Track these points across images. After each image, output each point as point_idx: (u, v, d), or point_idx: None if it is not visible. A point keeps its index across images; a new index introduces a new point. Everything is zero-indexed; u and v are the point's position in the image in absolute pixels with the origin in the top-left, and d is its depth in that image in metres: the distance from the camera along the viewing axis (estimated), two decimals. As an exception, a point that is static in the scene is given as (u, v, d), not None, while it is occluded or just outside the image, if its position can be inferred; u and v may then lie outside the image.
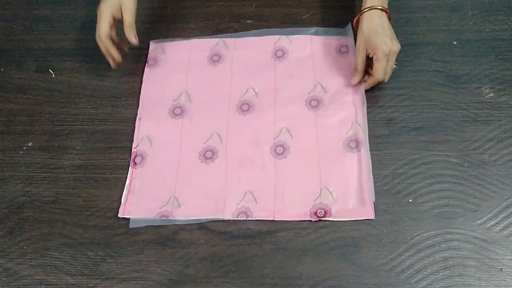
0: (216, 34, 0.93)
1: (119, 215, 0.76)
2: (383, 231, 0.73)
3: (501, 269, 0.69)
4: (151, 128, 0.83)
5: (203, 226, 0.75)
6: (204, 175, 0.79)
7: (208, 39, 0.92)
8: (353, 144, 0.79)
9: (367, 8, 0.78)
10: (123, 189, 0.78)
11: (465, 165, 0.77)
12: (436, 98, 0.83)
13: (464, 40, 0.88)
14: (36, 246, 0.75)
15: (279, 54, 0.89)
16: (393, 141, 0.80)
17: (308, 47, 0.89)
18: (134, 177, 0.79)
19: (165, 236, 0.75)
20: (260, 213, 0.75)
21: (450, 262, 0.70)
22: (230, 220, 0.75)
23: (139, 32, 0.92)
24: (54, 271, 0.73)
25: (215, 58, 0.90)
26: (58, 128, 0.85)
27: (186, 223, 0.75)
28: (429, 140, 0.79)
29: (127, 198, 0.78)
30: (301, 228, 0.74)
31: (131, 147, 0.82)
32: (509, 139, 0.79)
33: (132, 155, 0.81)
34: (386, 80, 0.81)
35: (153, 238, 0.75)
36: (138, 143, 0.82)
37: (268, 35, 0.91)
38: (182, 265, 0.72)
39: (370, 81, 0.81)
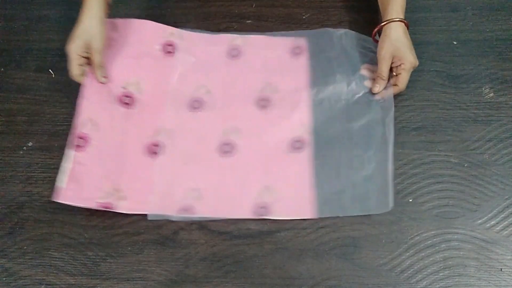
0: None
1: (54, 199, 0.73)
2: (383, 231, 0.73)
3: (501, 269, 0.69)
4: (96, 112, 0.79)
5: (203, 226, 0.75)
6: (150, 169, 0.78)
7: (164, 26, 0.89)
8: (299, 144, 0.79)
9: (396, 19, 0.79)
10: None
11: (465, 165, 0.77)
12: (436, 98, 0.83)
13: (464, 40, 0.88)
14: (36, 246, 0.75)
15: (234, 53, 0.88)
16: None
17: (262, 47, 0.88)
18: (77, 162, 0.75)
19: (165, 236, 0.75)
20: (202, 210, 0.75)
21: (450, 262, 0.70)
22: (229, 219, 0.75)
23: (139, 32, 0.92)
24: (54, 271, 0.73)
25: (170, 49, 0.88)
26: (58, 128, 0.85)
27: (186, 220, 0.75)
28: (429, 140, 0.79)
29: (67, 183, 0.74)
30: (301, 228, 0.74)
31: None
32: (509, 139, 0.79)
33: (75, 137, 0.76)
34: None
35: (153, 238, 0.74)
36: (82, 125, 0.77)
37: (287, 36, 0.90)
38: (182, 265, 0.72)
39: (395, 91, 0.81)
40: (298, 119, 0.81)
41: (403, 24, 0.79)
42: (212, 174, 0.78)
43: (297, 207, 0.75)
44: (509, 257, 0.70)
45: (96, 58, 0.79)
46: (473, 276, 0.69)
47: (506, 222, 0.73)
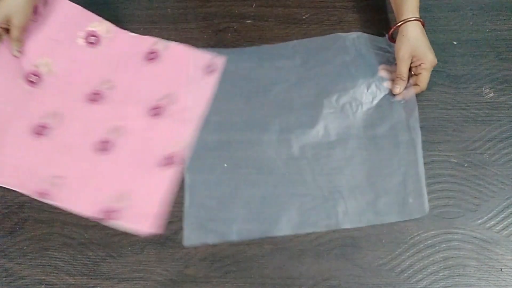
0: (216, 34, 0.92)
1: None
2: (383, 231, 0.73)
3: (501, 269, 0.69)
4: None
5: (203, 226, 0.75)
6: (28, 148, 0.79)
7: (93, 16, 0.89)
8: (168, 161, 0.78)
9: (412, 18, 0.79)
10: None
11: (465, 165, 0.77)
12: (436, 98, 0.83)
13: (464, 40, 0.88)
14: (36, 246, 0.75)
15: (151, 57, 0.88)
16: (393, 141, 0.80)
17: (179, 57, 0.87)
18: None
19: (165, 236, 0.74)
20: (55, 198, 0.76)
21: (450, 262, 0.70)
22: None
23: (139, 33, 0.92)
24: (54, 271, 0.73)
25: (93, 40, 0.88)
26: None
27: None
28: (429, 140, 0.79)
29: None
30: (301, 228, 0.74)
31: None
32: (509, 139, 0.79)
33: None
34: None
35: (153, 238, 0.74)
36: None
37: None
38: (182, 265, 0.72)
39: (416, 91, 0.81)
40: (181, 136, 0.80)
41: (419, 23, 0.79)
42: (81, 167, 0.78)
43: (142, 219, 0.74)
44: (509, 257, 0.70)
45: (13, 33, 0.80)
46: (473, 276, 0.69)
47: (506, 222, 0.73)
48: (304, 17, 0.93)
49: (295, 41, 0.90)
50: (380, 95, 0.82)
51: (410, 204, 0.74)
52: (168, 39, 0.91)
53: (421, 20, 0.79)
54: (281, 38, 0.91)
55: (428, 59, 0.78)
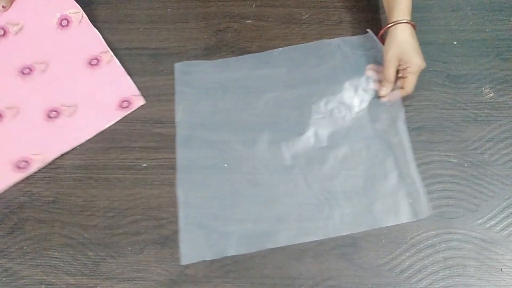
0: (216, 34, 0.93)
1: None
2: (383, 231, 0.73)
3: (501, 269, 0.69)
4: None
5: (203, 226, 0.75)
6: None
7: (74, 3, 0.93)
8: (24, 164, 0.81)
9: (403, 20, 0.78)
10: (123, 189, 0.78)
11: (465, 165, 0.77)
12: (436, 98, 0.83)
13: (464, 40, 0.88)
14: (36, 246, 0.75)
15: (93, 63, 0.90)
16: (393, 141, 0.80)
17: (112, 77, 0.88)
18: None
19: (165, 236, 0.75)
20: None
21: (450, 262, 0.70)
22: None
23: (140, 32, 0.92)
24: (54, 271, 0.73)
25: (64, 23, 0.92)
26: None
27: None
28: (429, 140, 0.79)
29: None
30: (301, 228, 0.74)
31: (131, 147, 0.82)
32: (509, 139, 0.79)
33: None
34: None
35: (153, 238, 0.74)
36: None
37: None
38: (182, 265, 0.72)
39: (402, 94, 0.80)
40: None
41: (409, 25, 0.78)
42: None
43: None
44: (509, 257, 0.70)
45: None
46: (473, 276, 0.69)
47: (506, 222, 0.73)
48: (304, 17, 0.93)
49: (280, 49, 0.89)
50: (368, 98, 0.82)
51: (409, 206, 0.74)
52: (168, 39, 0.92)
53: (412, 23, 0.79)
54: (281, 38, 0.91)
55: (415, 62, 0.77)
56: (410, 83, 0.79)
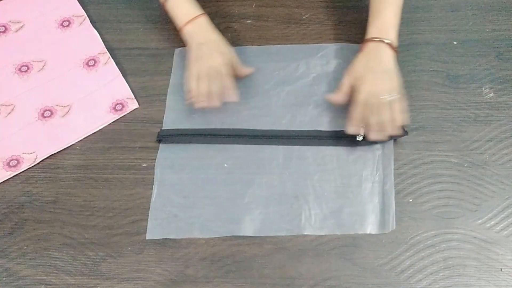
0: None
1: None
2: (383, 231, 0.73)
3: (501, 269, 0.69)
4: None
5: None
6: None
7: (79, 8, 0.96)
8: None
9: (375, 38, 0.72)
10: (123, 189, 0.78)
11: (465, 165, 0.77)
12: (436, 98, 0.83)
13: (464, 40, 0.88)
14: (36, 246, 0.75)
15: (90, 64, 0.90)
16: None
17: (109, 79, 0.89)
18: None
19: (165, 236, 0.75)
20: None
21: (450, 262, 0.70)
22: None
23: (139, 33, 0.92)
24: (54, 271, 0.73)
25: (65, 24, 0.93)
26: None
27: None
28: (429, 140, 0.79)
29: None
30: (301, 228, 0.74)
31: (131, 147, 0.82)
32: (509, 139, 0.79)
33: None
34: (372, 137, 0.74)
35: (153, 238, 0.74)
36: None
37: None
38: (182, 265, 0.72)
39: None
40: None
41: (383, 45, 0.72)
42: None
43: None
44: (509, 257, 0.70)
45: None
46: (473, 276, 0.69)
47: (506, 222, 0.73)
48: (304, 17, 0.93)
49: (278, 45, 0.90)
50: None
51: (375, 218, 0.73)
52: (168, 39, 0.92)
53: (389, 43, 0.73)
54: (281, 38, 0.91)
55: (363, 90, 0.72)
56: (351, 112, 0.74)
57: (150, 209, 0.76)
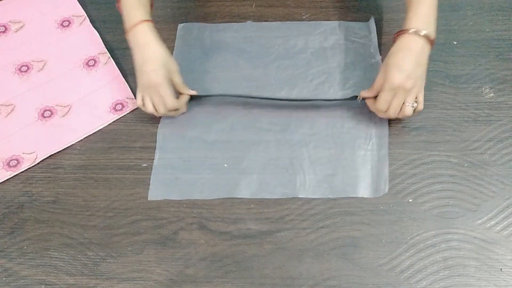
0: (216, 34, 0.93)
1: None
2: (383, 231, 0.73)
3: (501, 269, 0.69)
4: None
5: (204, 226, 0.75)
6: None
7: (79, 8, 0.97)
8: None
9: (410, 30, 0.72)
10: (123, 189, 0.78)
11: (465, 165, 0.77)
12: (436, 98, 0.83)
13: (464, 40, 0.88)
14: (36, 246, 0.75)
15: (90, 64, 0.91)
16: (393, 141, 0.80)
17: (109, 79, 0.89)
18: None
19: (165, 236, 0.75)
20: None
21: (450, 262, 0.70)
22: (229, 219, 0.75)
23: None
24: (54, 271, 0.73)
25: (65, 24, 0.94)
26: (58, 128, 0.85)
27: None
28: (429, 140, 0.79)
29: None
30: (301, 228, 0.74)
31: (131, 147, 0.82)
32: (509, 139, 0.79)
33: None
34: (393, 117, 0.76)
35: (153, 238, 0.74)
36: None
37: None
38: (182, 265, 0.72)
39: (373, 108, 0.78)
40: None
41: (417, 38, 0.72)
42: None
43: None
44: (509, 257, 0.70)
45: None
46: (473, 276, 0.69)
47: (506, 222, 0.73)
48: (304, 17, 0.94)
49: (278, 22, 0.93)
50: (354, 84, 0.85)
51: (367, 183, 0.76)
52: (168, 39, 0.92)
53: (426, 35, 0.72)
54: (281, 38, 0.91)
55: (388, 77, 0.72)
56: (378, 98, 0.75)
57: (152, 171, 0.79)
